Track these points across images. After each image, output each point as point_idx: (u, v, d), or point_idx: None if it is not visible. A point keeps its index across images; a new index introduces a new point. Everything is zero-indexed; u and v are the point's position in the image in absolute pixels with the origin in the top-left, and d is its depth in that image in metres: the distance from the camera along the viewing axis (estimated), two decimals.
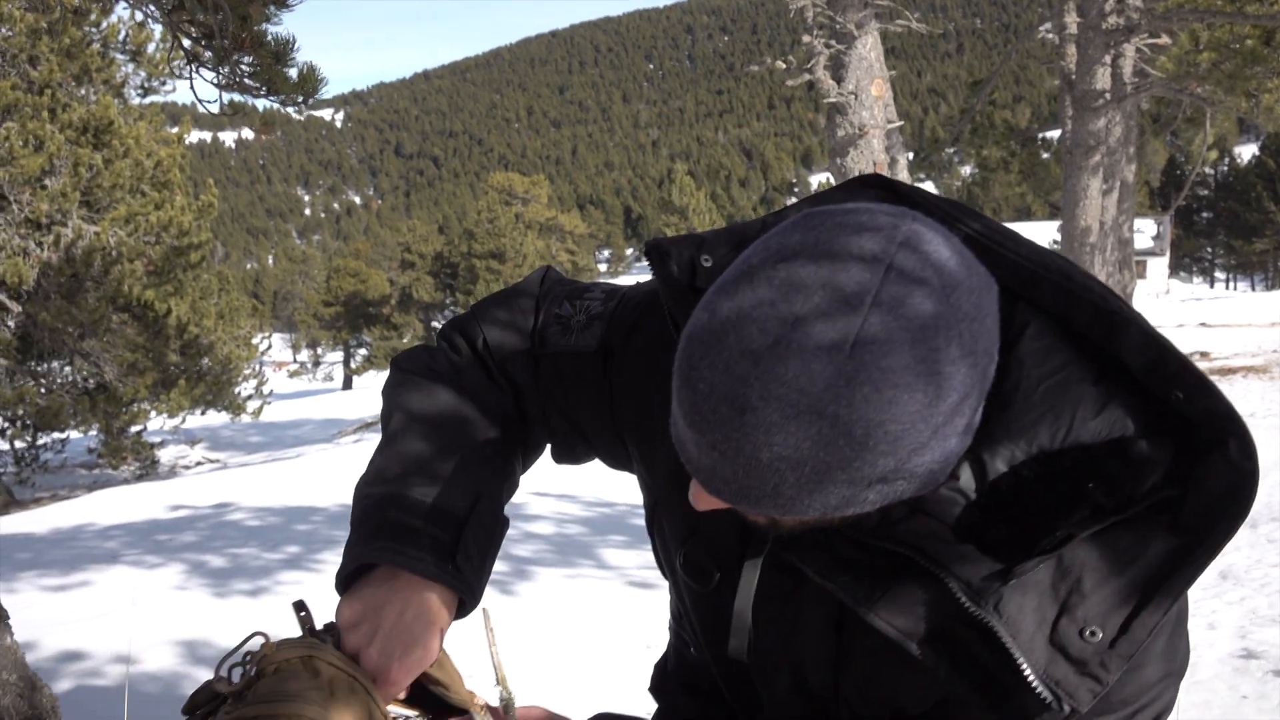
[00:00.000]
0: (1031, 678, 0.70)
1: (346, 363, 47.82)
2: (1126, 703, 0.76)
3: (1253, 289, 56.68)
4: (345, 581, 1.02)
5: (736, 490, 0.68)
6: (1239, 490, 0.69)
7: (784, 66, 8.29)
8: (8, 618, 1.81)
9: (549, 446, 1.20)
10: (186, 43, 2.70)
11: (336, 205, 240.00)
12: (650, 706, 1.15)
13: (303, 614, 1.06)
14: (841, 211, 0.69)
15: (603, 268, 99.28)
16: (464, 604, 1.03)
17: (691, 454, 0.70)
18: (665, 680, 1.28)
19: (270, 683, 0.91)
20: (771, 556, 0.91)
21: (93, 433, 15.63)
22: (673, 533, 1.02)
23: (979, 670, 0.73)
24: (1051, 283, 0.75)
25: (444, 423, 1.07)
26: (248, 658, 0.99)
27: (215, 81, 2.67)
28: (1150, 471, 0.70)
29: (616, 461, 1.16)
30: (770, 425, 0.63)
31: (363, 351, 47.47)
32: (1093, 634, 0.70)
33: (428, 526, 0.98)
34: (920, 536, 0.74)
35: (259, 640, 1.00)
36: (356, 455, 11.37)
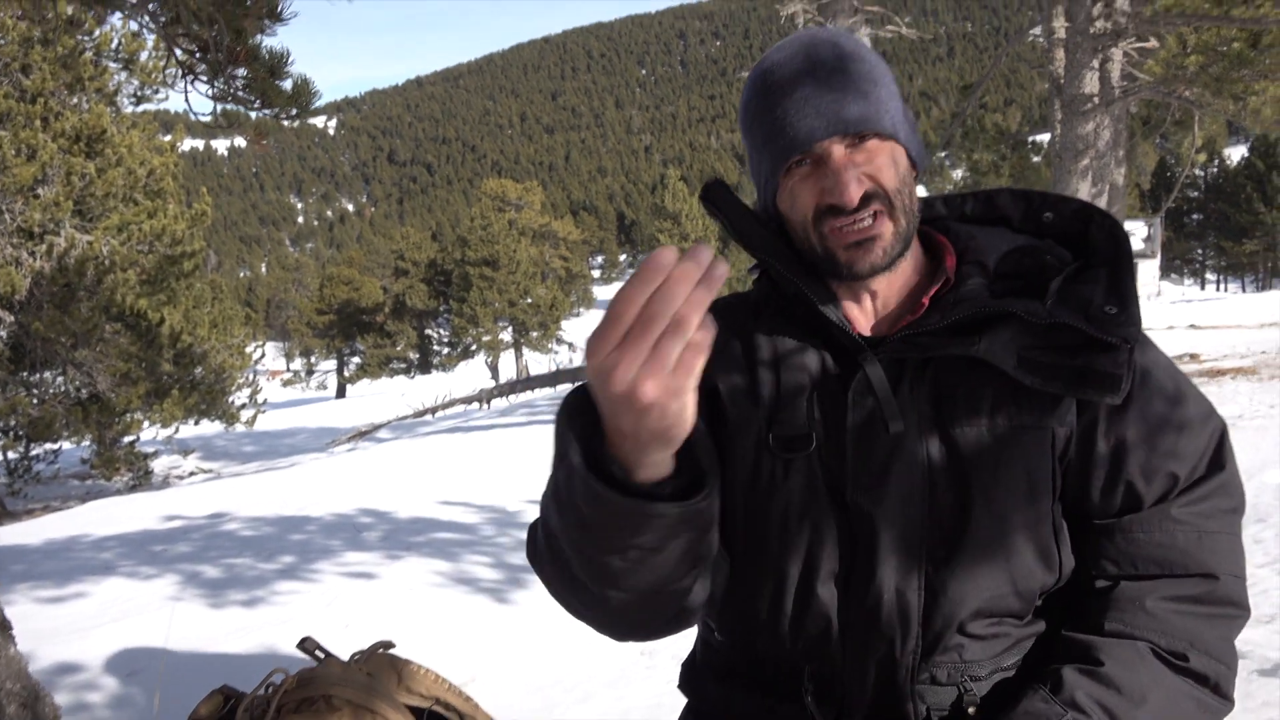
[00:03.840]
0: (1097, 333, 1.02)
1: (340, 371, 47.75)
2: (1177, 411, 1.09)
3: (1243, 290, 56.86)
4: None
5: (857, 97, 1.04)
6: (1114, 233, 1.13)
7: None
8: (11, 628, 1.82)
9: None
10: (180, 55, 2.72)
11: (330, 213, 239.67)
12: (676, 705, 1.16)
13: (316, 652, 1.07)
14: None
15: (596, 274, 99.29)
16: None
17: (815, 120, 1.04)
18: (693, 673, 1.32)
19: None
20: (875, 362, 1.10)
21: (85, 443, 15.58)
22: (756, 437, 1.14)
23: (1057, 369, 1.04)
24: (974, 199, 1.23)
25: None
26: (269, 689, 1.01)
27: (209, 94, 2.69)
28: (1063, 252, 1.13)
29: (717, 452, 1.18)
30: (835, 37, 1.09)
31: (356, 360, 47.42)
32: (1110, 309, 1.04)
33: None
34: (982, 304, 1.06)
35: (279, 675, 1.01)
36: (350, 464, 11.36)
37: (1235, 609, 1.08)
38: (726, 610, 1.20)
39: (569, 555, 0.97)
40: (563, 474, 0.91)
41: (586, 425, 0.90)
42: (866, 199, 1.05)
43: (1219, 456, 1.10)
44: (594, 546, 0.92)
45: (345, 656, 1.30)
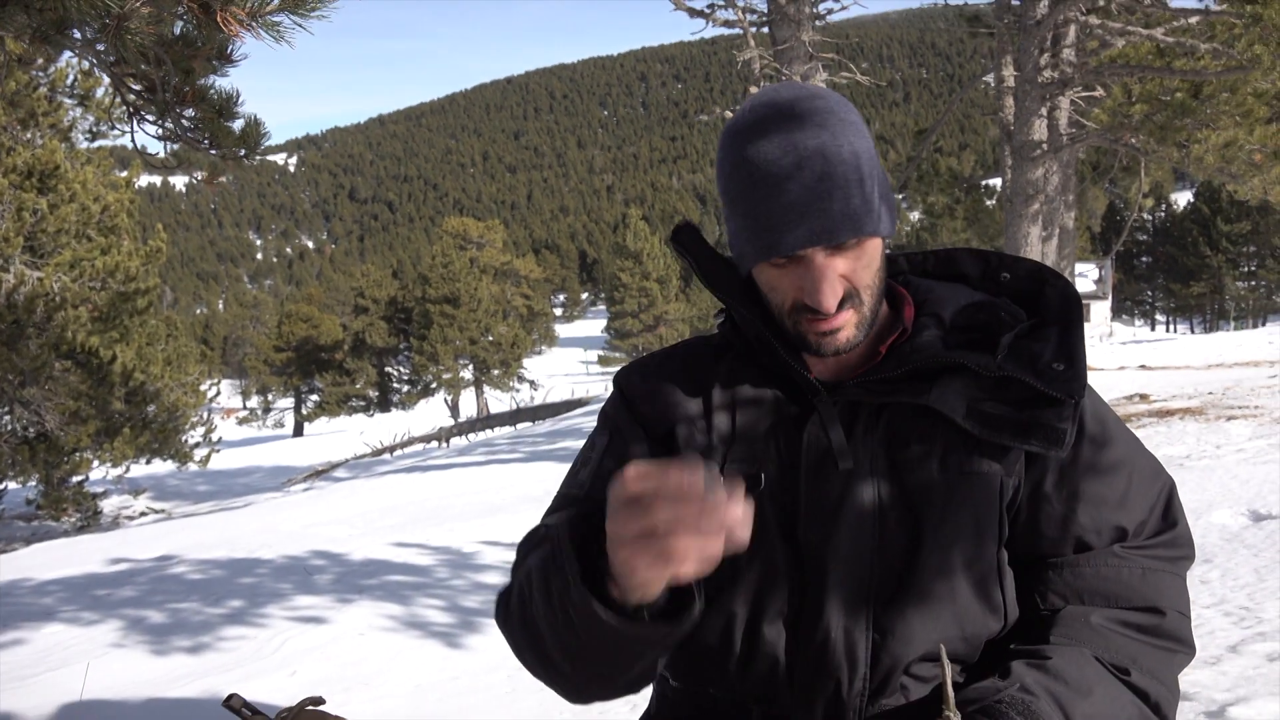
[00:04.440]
0: (1043, 387, 1.06)
1: (298, 409, 47.14)
2: (1116, 463, 1.13)
3: (1191, 331, 58.19)
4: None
5: (843, 205, 1.02)
6: (1067, 294, 1.17)
7: (731, 115, 8.44)
8: None
9: None
10: (129, 95, 2.70)
11: (289, 250, 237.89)
12: None
13: (243, 709, 1.05)
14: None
15: (558, 311, 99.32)
16: None
17: (799, 228, 1.03)
18: None
19: None
20: (833, 398, 1.13)
21: (32, 483, 15.20)
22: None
23: (1003, 420, 1.08)
24: (935, 256, 1.28)
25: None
26: None
27: (157, 134, 2.67)
28: (1018, 310, 1.16)
29: None
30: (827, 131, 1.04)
31: (314, 397, 46.85)
32: (1058, 365, 1.09)
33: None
34: (935, 355, 1.10)
35: None
36: (306, 505, 11.19)
37: (1179, 645, 1.10)
38: (679, 653, 1.21)
39: (547, 638, 1.03)
40: (558, 582, 0.96)
41: (585, 547, 0.96)
42: (842, 301, 1.08)
43: (1169, 513, 1.14)
44: (579, 645, 0.98)
45: (292, 703, 1.27)
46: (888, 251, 1.18)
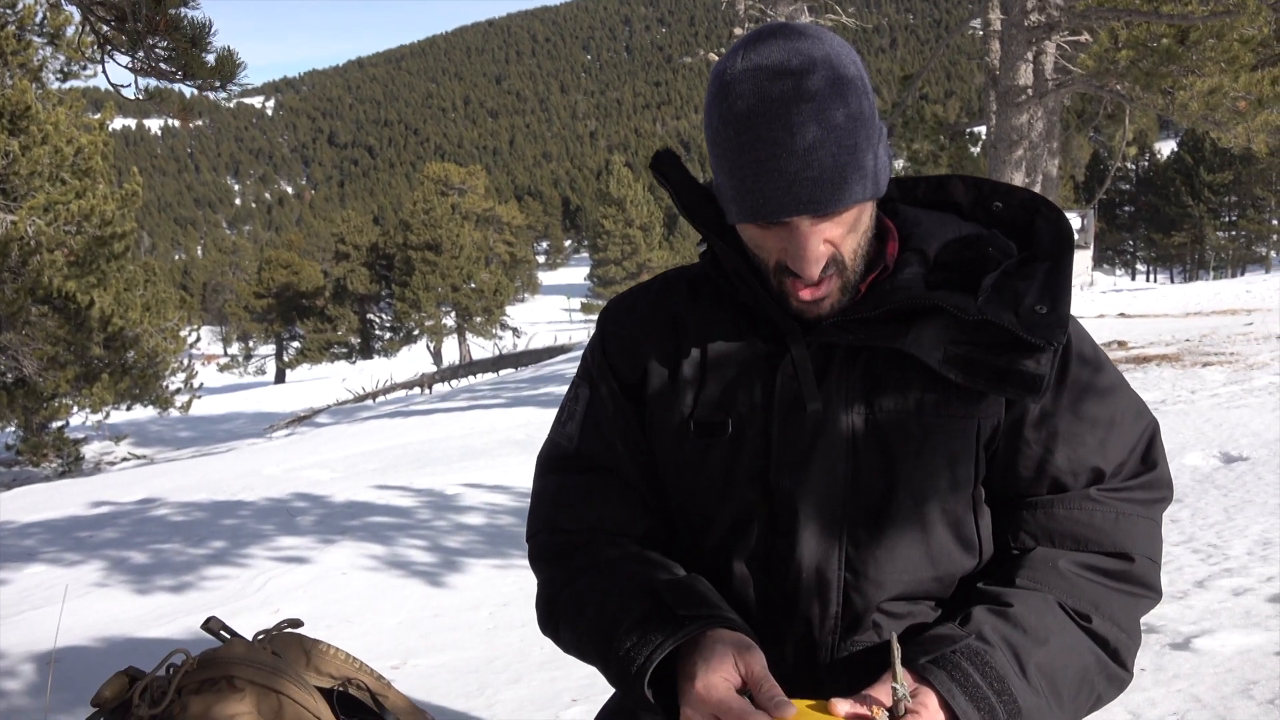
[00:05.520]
0: (1023, 334, 1.04)
1: (279, 355, 46.91)
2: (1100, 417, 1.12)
3: (1171, 281, 58.53)
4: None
5: (833, 174, 0.98)
6: (1059, 227, 1.14)
7: (715, 58, 8.34)
8: None
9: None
10: (98, 25, 2.64)
11: (268, 195, 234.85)
12: (608, 686, 1.18)
13: (220, 632, 1.05)
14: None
15: (541, 259, 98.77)
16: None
17: (786, 196, 0.99)
18: None
19: (200, 707, 0.91)
20: (807, 340, 1.12)
21: (11, 429, 15.13)
22: (676, 421, 1.18)
23: (980, 366, 1.06)
24: (926, 183, 1.22)
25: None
26: (170, 670, 0.99)
27: (129, 66, 2.62)
28: (1008, 243, 1.13)
29: None
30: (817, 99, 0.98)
31: (296, 344, 46.61)
32: (1041, 309, 1.06)
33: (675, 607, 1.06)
34: (914, 296, 1.07)
35: (179, 657, 0.99)
36: (289, 449, 11.19)
37: (1145, 590, 1.11)
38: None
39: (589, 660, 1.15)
40: (619, 684, 1.05)
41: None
42: (825, 266, 1.05)
43: (1149, 454, 1.13)
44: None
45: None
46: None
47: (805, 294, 1.06)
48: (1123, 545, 1.09)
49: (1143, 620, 1.13)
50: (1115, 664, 1.08)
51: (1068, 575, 1.08)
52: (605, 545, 1.18)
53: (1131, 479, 1.12)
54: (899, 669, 0.95)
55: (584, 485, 1.22)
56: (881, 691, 0.96)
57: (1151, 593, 1.12)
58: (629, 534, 1.19)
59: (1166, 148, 75.17)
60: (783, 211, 1.00)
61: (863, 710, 0.95)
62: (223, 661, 1.01)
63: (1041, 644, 1.02)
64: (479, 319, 41.87)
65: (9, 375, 14.25)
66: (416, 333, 42.22)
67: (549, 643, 3.63)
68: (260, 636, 1.26)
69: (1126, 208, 66.17)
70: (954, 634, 1.03)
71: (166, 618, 4.08)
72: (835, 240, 1.04)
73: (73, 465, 15.50)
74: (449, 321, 42.20)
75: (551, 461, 1.27)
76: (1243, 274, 50.78)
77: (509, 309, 46.20)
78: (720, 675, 0.95)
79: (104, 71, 2.60)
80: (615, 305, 1.28)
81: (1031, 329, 1.04)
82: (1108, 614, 1.07)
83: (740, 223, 1.07)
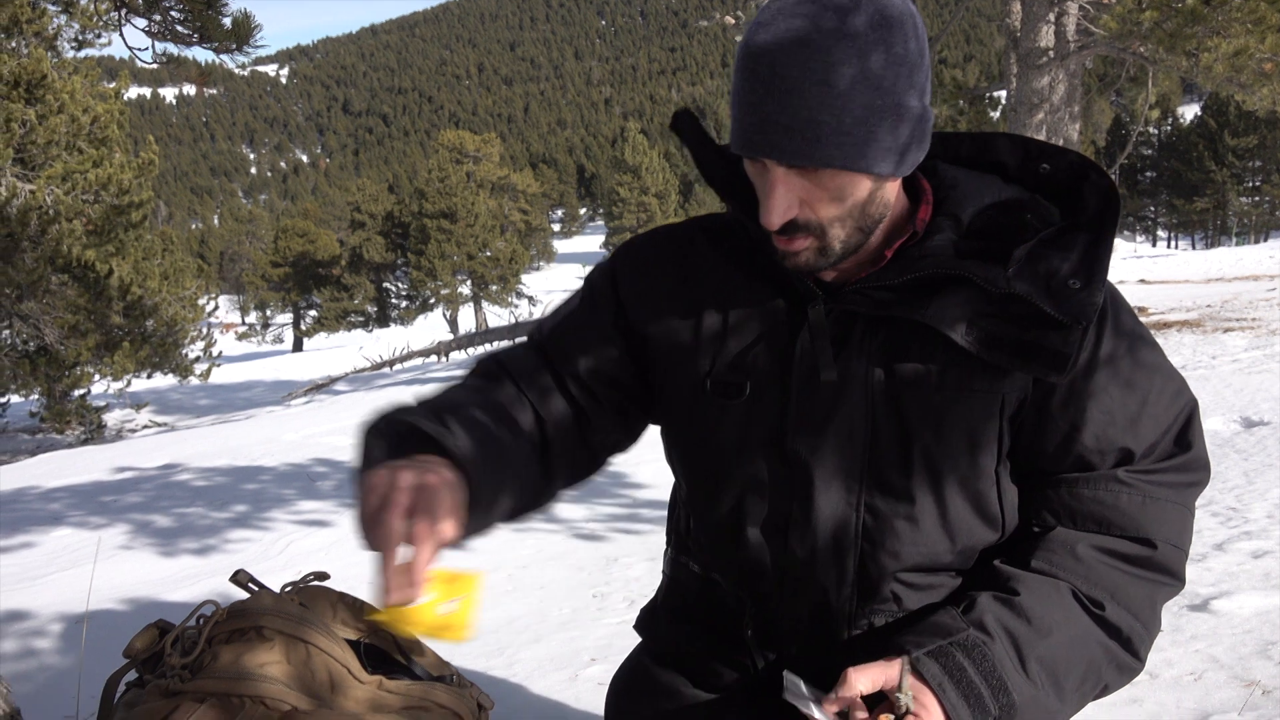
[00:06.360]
0: (1052, 310, 0.99)
1: (296, 324, 47.13)
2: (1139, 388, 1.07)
3: (1193, 247, 57.90)
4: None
5: (805, 126, 0.93)
6: (1108, 194, 1.06)
7: (732, 21, 8.26)
8: None
9: (599, 433, 1.23)
10: None
11: (283, 164, 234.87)
12: (625, 646, 1.19)
13: (249, 584, 1.07)
14: None
15: (556, 227, 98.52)
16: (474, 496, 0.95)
17: (756, 134, 0.96)
18: (652, 615, 1.35)
19: (230, 656, 0.92)
20: (828, 307, 1.08)
21: (34, 397, 15.29)
22: (692, 380, 1.16)
23: (1005, 341, 1.01)
24: (971, 140, 1.16)
25: (440, 402, 1.11)
26: (200, 621, 1.00)
27: (146, 29, 2.62)
28: (1051, 209, 1.08)
29: (644, 392, 1.23)
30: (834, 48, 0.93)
31: (313, 313, 46.79)
32: (1074, 283, 1.00)
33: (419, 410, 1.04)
34: (940, 264, 1.02)
35: (210, 607, 1.01)
36: (308, 416, 11.28)
37: (1168, 578, 1.07)
38: (694, 543, 1.25)
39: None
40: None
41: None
42: (791, 225, 1.01)
43: (1185, 436, 1.08)
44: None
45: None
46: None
47: (777, 240, 1.04)
48: (1147, 530, 1.06)
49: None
50: (1126, 653, 1.05)
51: (1085, 560, 1.05)
52: (503, 400, 1.15)
53: (1164, 461, 1.07)
54: (906, 680, 0.96)
55: (530, 362, 1.20)
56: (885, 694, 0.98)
57: (1174, 580, 1.08)
58: (521, 419, 1.15)
59: (1190, 112, 74.04)
60: (750, 148, 0.98)
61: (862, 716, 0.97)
62: (252, 612, 1.03)
63: (1045, 636, 1.01)
64: (495, 287, 41.88)
65: (31, 344, 14.39)
66: (433, 301, 42.28)
67: (568, 604, 3.67)
68: (287, 588, 1.27)
69: (1148, 173, 65.37)
70: (954, 625, 1.02)
71: (190, 579, 4.13)
72: (809, 201, 1.00)
73: (95, 432, 15.67)
74: (465, 290, 42.23)
75: (528, 337, 1.26)
76: (1266, 240, 50.18)
77: (525, 277, 46.18)
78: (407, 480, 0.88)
79: (121, 36, 2.60)
80: (635, 247, 1.26)
81: (1061, 305, 0.99)
82: (1123, 602, 1.04)
83: (736, 153, 1.04)
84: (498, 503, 0.99)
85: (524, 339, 1.25)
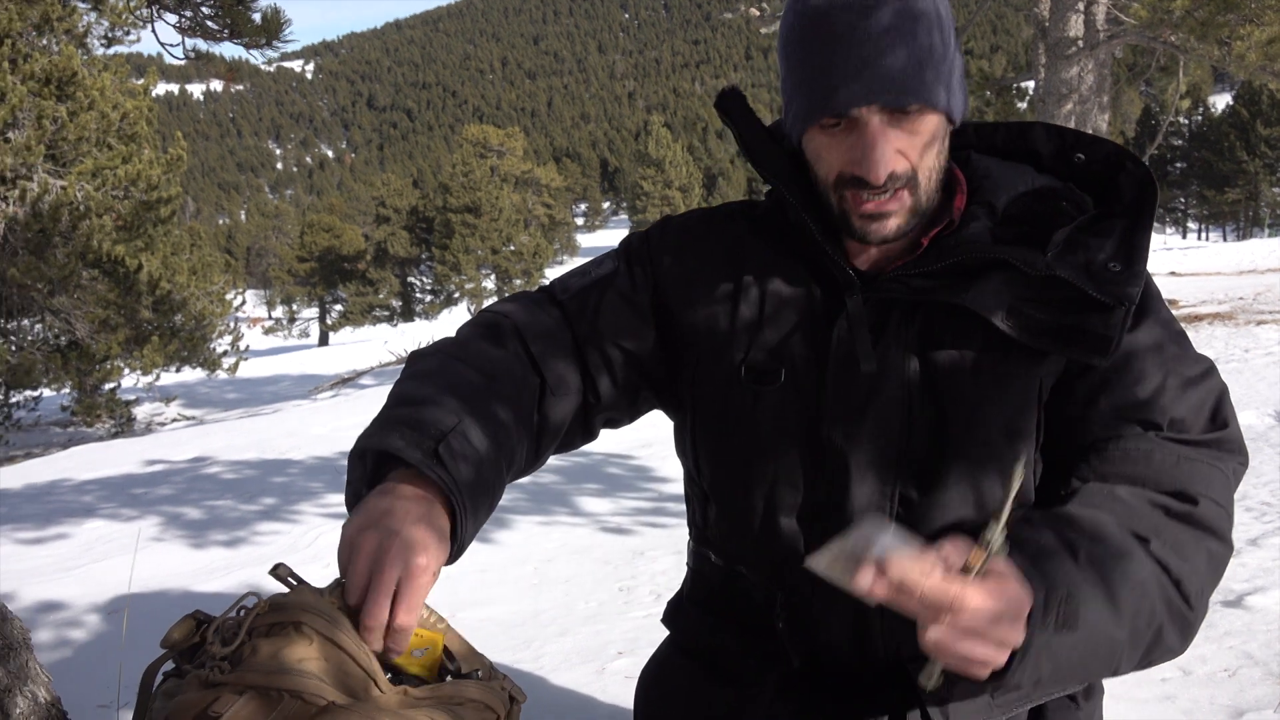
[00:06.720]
0: (1093, 291, 0.98)
1: (322, 319, 47.45)
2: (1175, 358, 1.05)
3: (1224, 239, 57.11)
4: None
5: (912, 64, 0.95)
6: (1145, 182, 1.06)
7: (757, 14, 8.22)
8: None
9: (604, 410, 1.21)
10: None
11: (309, 159, 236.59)
12: (653, 639, 1.18)
13: (289, 579, 1.07)
14: None
15: (580, 221, 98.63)
16: (457, 520, 0.93)
17: (856, 83, 0.95)
18: (679, 608, 1.34)
19: (270, 650, 0.92)
20: (864, 295, 1.08)
21: (66, 390, 15.50)
22: (727, 366, 1.15)
23: (1045, 325, 1.00)
24: (1006, 129, 1.16)
25: (433, 374, 1.07)
26: (241, 612, 1.00)
27: (177, 25, 2.64)
28: (1085, 198, 1.07)
29: (665, 374, 1.22)
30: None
31: (338, 307, 47.10)
32: (1114, 266, 1.00)
33: (408, 429, 0.96)
34: (978, 249, 1.03)
35: (252, 599, 1.01)
36: (334, 410, 11.36)
37: (1214, 536, 0.99)
38: (715, 534, 1.23)
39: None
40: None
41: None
42: (893, 177, 1.00)
43: (1219, 414, 1.04)
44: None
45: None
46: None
47: (870, 205, 1.01)
48: (1182, 485, 0.99)
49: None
50: (1178, 595, 0.94)
51: (1129, 502, 0.98)
52: (507, 370, 1.11)
53: (1201, 434, 1.03)
54: (1008, 507, 0.84)
55: (545, 322, 1.18)
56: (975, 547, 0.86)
57: (1220, 540, 0.99)
58: (524, 398, 1.11)
59: (1221, 101, 72.99)
60: (851, 100, 0.96)
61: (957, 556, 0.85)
62: (293, 606, 1.03)
63: (1096, 541, 0.91)
64: (519, 281, 41.98)
65: (62, 338, 14.58)
66: (457, 295, 42.46)
67: (594, 598, 3.68)
68: (333, 585, 1.28)
69: (1178, 164, 64.48)
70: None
71: (221, 571, 4.18)
72: (906, 150, 0.99)
73: (125, 426, 15.86)
74: (489, 284, 42.38)
75: (544, 289, 1.24)
76: None
77: (548, 271, 46.25)
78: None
79: (153, 31, 2.63)
80: (674, 226, 1.24)
81: (1103, 286, 0.98)
82: (1169, 542, 0.95)
83: (806, 128, 1.03)
84: (481, 515, 0.97)
85: (534, 290, 1.23)
